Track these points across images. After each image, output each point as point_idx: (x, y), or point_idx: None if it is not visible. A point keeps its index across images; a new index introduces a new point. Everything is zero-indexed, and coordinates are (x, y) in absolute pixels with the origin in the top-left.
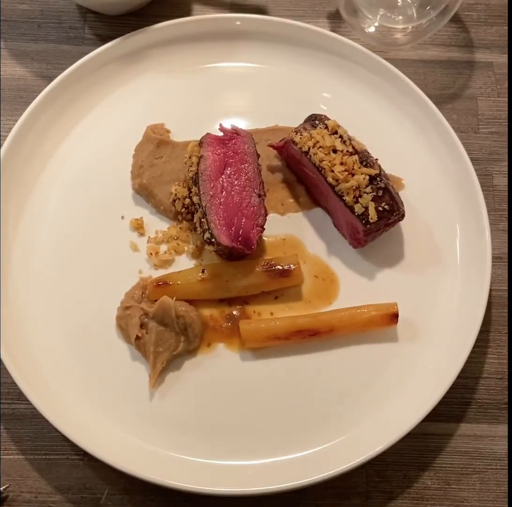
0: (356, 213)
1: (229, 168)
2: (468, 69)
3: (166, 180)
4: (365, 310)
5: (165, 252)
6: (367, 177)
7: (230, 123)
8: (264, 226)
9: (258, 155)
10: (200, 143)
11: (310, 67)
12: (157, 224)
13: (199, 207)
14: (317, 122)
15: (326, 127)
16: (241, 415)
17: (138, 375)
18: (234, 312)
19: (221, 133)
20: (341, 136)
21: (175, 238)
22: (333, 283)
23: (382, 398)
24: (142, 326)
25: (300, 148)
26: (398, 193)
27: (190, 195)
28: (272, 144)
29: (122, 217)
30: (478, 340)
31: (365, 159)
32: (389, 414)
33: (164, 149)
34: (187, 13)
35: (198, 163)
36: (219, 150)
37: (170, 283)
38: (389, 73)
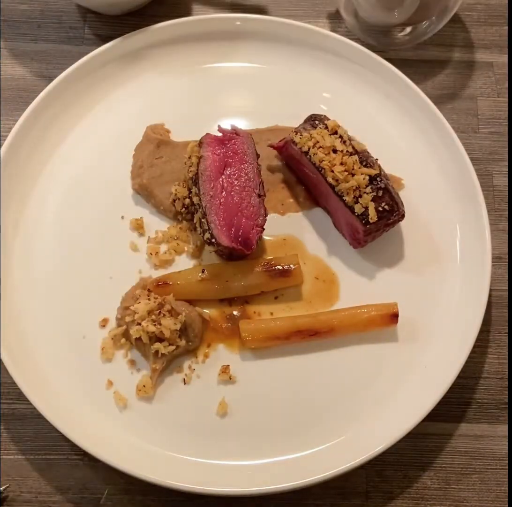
0: (356, 214)
1: (228, 169)
2: (468, 69)
3: (166, 180)
4: (365, 310)
5: (165, 252)
6: (367, 177)
7: (230, 123)
8: (264, 227)
9: (258, 155)
10: (200, 143)
11: (310, 67)
12: (157, 224)
13: (199, 208)
14: (317, 122)
15: (326, 127)
16: (241, 415)
17: (138, 375)
18: (234, 312)
19: (221, 134)
20: (341, 136)
21: (175, 238)
22: (334, 284)
23: (382, 398)
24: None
25: (300, 148)
26: (398, 193)
27: (190, 195)
28: (272, 144)
29: (122, 217)
30: (478, 340)
31: (365, 159)
32: (389, 414)
33: (164, 149)
34: (187, 13)
35: (198, 164)
36: (218, 151)
37: (170, 283)
38: (389, 73)
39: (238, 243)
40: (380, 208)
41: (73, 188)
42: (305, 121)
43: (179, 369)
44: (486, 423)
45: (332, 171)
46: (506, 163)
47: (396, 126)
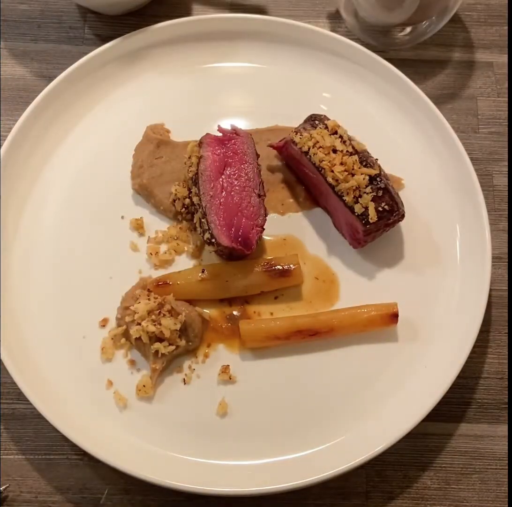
0: (356, 214)
1: (228, 169)
2: (468, 69)
3: (166, 180)
4: (365, 310)
5: (165, 252)
6: (367, 177)
7: (230, 123)
8: (264, 227)
9: (258, 155)
10: (200, 143)
11: (310, 67)
12: (157, 224)
13: (199, 208)
14: (317, 122)
15: (326, 127)
16: (241, 415)
17: (138, 375)
18: (234, 312)
19: (221, 134)
20: (341, 136)
21: (175, 238)
22: (333, 285)
23: (382, 398)
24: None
25: (300, 148)
26: (398, 193)
27: (190, 195)
28: (272, 144)
29: (122, 217)
30: (478, 340)
31: (365, 159)
32: (389, 414)
33: (164, 149)
34: (187, 13)
35: (198, 164)
36: (218, 151)
37: (170, 283)
38: (389, 73)
39: (238, 243)
40: (380, 208)
41: (73, 188)
42: (305, 121)
43: (179, 369)
44: (486, 423)
45: (332, 171)
46: (506, 163)
47: (396, 126)
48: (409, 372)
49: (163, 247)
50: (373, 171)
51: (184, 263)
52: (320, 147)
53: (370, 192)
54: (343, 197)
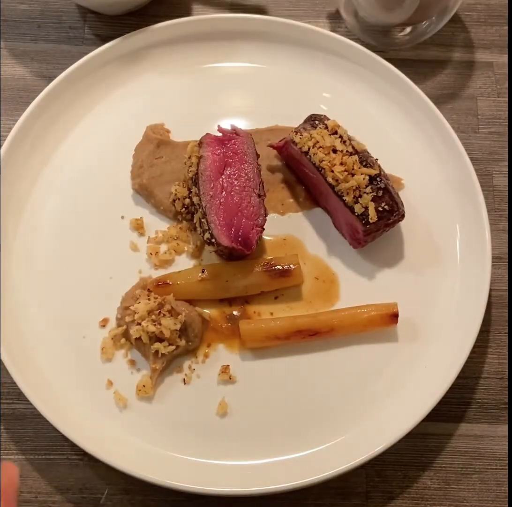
0: (356, 214)
1: (228, 169)
2: (468, 69)
3: (166, 180)
4: (365, 310)
5: (165, 252)
6: (367, 177)
7: (230, 123)
8: (264, 227)
9: (258, 155)
10: (200, 143)
11: (310, 67)
12: (157, 224)
13: (199, 208)
14: (317, 122)
15: (326, 127)
16: (241, 415)
17: (138, 375)
18: (234, 312)
19: (221, 134)
20: (341, 136)
21: (175, 238)
22: (333, 285)
23: (382, 398)
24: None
25: (300, 148)
26: (398, 193)
27: (190, 195)
28: (272, 144)
29: (122, 217)
30: (478, 340)
31: (365, 159)
32: (389, 414)
33: (164, 149)
34: (187, 13)
35: (197, 164)
36: (218, 151)
37: (170, 283)
38: (389, 73)
39: (238, 243)
40: (380, 208)
41: (73, 188)
42: (305, 121)
43: (179, 369)
44: (486, 423)
45: (332, 171)
46: (506, 163)
47: (396, 126)
48: (409, 372)
49: (163, 247)
50: (373, 171)
51: (184, 263)
52: (320, 147)
53: (370, 192)
54: (343, 197)
